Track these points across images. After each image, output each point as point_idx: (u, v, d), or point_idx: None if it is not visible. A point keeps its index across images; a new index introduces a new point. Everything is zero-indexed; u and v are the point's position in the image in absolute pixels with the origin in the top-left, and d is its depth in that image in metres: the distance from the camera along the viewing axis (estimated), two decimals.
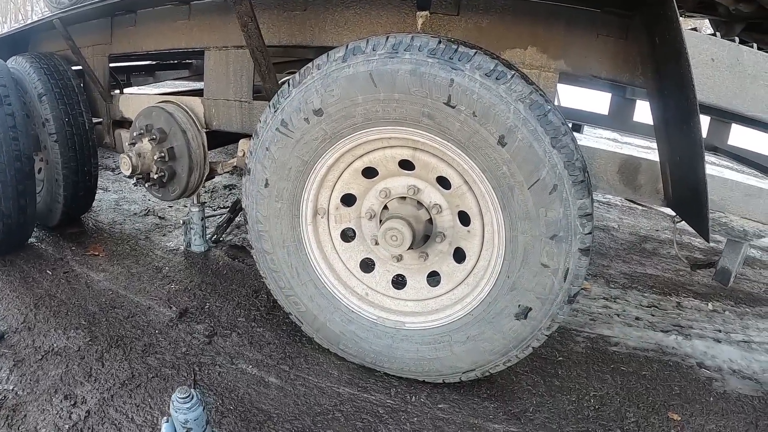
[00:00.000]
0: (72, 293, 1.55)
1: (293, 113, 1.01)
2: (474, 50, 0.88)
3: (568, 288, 0.94)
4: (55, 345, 1.35)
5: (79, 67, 1.82)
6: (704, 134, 2.40)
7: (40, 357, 1.30)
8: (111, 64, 1.85)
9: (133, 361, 1.25)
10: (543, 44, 1.08)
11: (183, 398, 0.87)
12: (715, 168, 1.91)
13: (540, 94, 0.88)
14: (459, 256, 1.10)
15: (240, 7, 1.13)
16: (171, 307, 1.43)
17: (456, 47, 0.88)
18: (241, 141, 1.41)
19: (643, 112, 2.38)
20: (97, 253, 1.76)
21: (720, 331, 1.84)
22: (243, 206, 1.18)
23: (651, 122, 1.13)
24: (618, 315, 1.77)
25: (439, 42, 0.89)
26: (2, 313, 1.49)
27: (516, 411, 1.16)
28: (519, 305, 0.98)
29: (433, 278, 1.16)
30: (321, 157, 1.03)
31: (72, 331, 1.39)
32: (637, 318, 1.81)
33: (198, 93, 1.58)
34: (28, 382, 1.20)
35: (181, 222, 1.85)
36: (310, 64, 1.00)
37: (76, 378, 1.21)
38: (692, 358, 1.61)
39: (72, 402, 1.14)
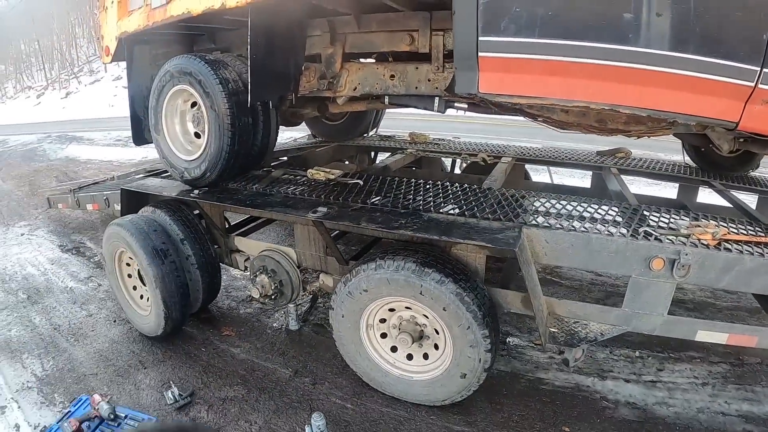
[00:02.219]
0: (224, 363, 3.46)
1: (353, 288, 2.85)
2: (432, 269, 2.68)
3: (482, 366, 2.73)
4: (227, 395, 3.23)
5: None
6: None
7: (222, 401, 3.20)
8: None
9: (276, 400, 3.13)
10: None
11: (318, 417, 2.75)
12: None
13: (467, 291, 2.67)
14: (437, 348, 2.92)
15: (320, 227, 2.97)
16: (288, 368, 3.30)
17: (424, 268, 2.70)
18: (322, 275, 3.27)
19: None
20: (229, 334, 3.71)
21: (634, 373, 3.57)
22: (332, 322, 3.05)
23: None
24: (557, 363, 3.54)
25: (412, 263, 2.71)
26: (185, 377, 3.44)
27: (470, 420, 2.93)
28: (461, 372, 2.79)
29: (426, 357, 3.00)
30: (368, 305, 2.86)
31: (234, 386, 3.27)
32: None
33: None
34: (220, 415, 3.12)
35: (282, 310, 3.80)
36: (359, 267, 2.83)
37: (247, 411, 3.10)
38: (599, 393, 3.31)
39: (249, 422, 3.04)
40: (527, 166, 4.81)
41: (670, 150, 4.67)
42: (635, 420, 2.99)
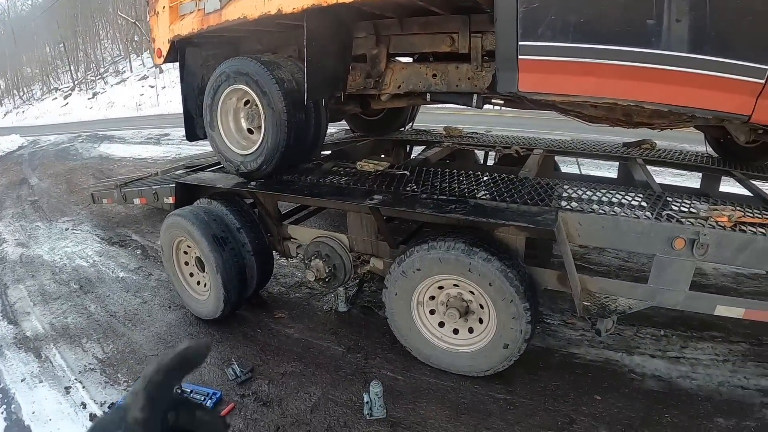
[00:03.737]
0: (280, 342, 3.95)
1: (407, 267, 3.33)
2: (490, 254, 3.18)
3: (523, 337, 3.21)
4: (285, 370, 3.70)
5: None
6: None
7: (281, 375, 3.68)
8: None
9: (332, 373, 3.58)
10: None
11: (375, 384, 3.25)
12: None
13: (510, 268, 3.15)
14: (481, 322, 3.41)
15: (376, 213, 3.46)
16: (341, 346, 3.78)
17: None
18: (373, 259, 3.77)
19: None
20: (281, 316, 4.21)
21: (659, 350, 4.04)
22: (384, 300, 3.54)
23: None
24: (587, 340, 4.02)
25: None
26: (244, 356, 3.93)
27: (510, 388, 3.39)
28: (504, 343, 3.27)
29: (471, 331, 3.49)
30: (419, 284, 3.33)
31: (291, 362, 3.75)
32: (599, 342, 4.04)
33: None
34: (281, 388, 3.60)
35: (332, 293, 4.30)
36: (413, 248, 3.32)
37: (305, 384, 3.56)
38: (627, 367, 3.78)
39: (308, 393, 3.52)
40: (556, 158, 5.29)
41: (693, 141, 5.12)
42: (660, 391, 3.44)
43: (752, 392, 3.44)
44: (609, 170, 5.30)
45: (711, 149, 4.92)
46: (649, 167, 4.50)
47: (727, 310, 3.14)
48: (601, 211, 3.15)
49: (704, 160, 4.73)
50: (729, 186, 4.68)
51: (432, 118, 9.24)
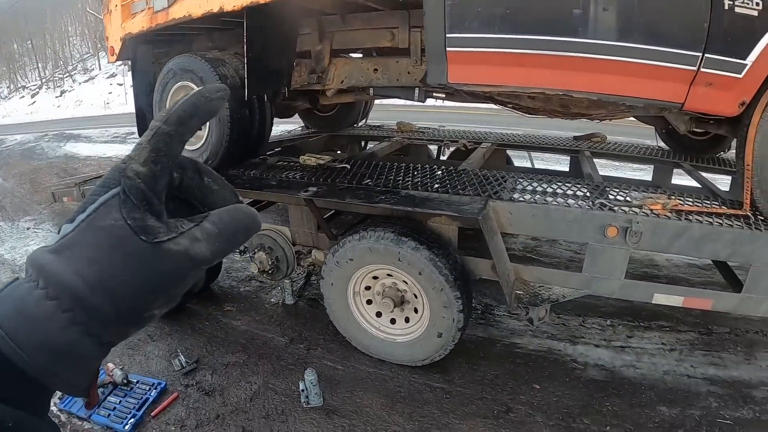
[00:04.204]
0: (226, 334, 4.02)
1: (340, 257, 3.40)
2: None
3: (456, 326, 3.27)
4: (229, 361, 3.76)
5: None
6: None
7: (224, 366, 3.74)
8: None
9: (274, 363, 3.66)
10: None
11: (310, 372, 3.31)
12: None
13: (439, 257, 3.22)
14: (416, 311, 3.46)
15: (310, 204, 3.53)
16: (285, 337, 3.85)
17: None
18: (314, 251, 3.83)
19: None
20: (230, 309, 4.28)
21: (604, 339, 4.10)
22: (322, 291, 3.61)
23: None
24: (531, 330, 4.08)
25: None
26: (191, 347, 4.00)
27: (448, 378, 3.46)
28: (438, 332, 3.33)
29: (407, 320, 3.55)
30: (354, 273, 3.39)
31: (235, 353, 3.81)
32: (543, 332, 4.10)
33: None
34: (224, 378, 3.66)
35: (279, 286, 4.37)
36: (345, 239, 3.39)
37: (247, 374, 3.63)
38: (570, 356, 3.85)
39: (249, 383, 3.58)
40: (511, 153, 5.36)
41: (648, 136, 5.20)
42: (602, 380, 3.51)
43: (698, 381, 3.51)
44: (562, 164, 5.36)
45: (663, 143, 4.98)
46: (599, 160, 4.57)
47: (665, 298, 3.20)
48: (532, 200, 3.21)
49: (653, 152, 4.80)
50: (683, 179, 4.73)
51: (413, 115, 9.31)
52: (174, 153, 0.49)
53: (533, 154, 5.16)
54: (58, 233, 0.47)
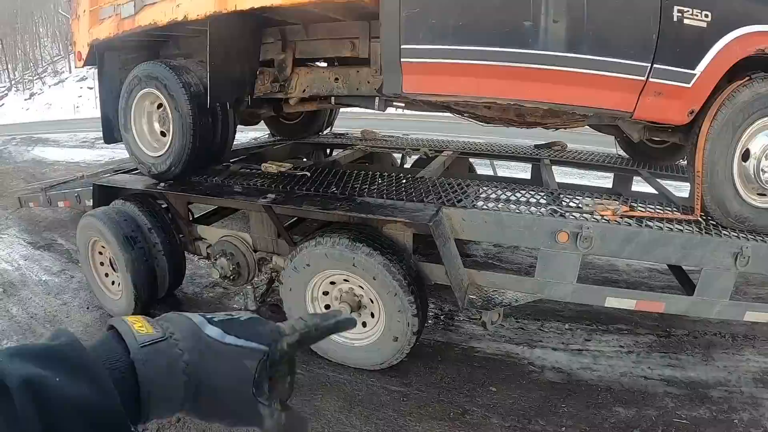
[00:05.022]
0: None
1: (297, 263, 3.48)
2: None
3: (411, 330, 3.37)
4: None
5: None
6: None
7: None
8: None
9: None
10: None
11: None
12: None
13: (393, 263, 3.32)
14: (373, 316, 3.53)
15: (269, 211, 3.62)
16: None
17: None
18: (275, 257, 3.91)
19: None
20: None
21: (562, 343, 4.22)
22: (281, 296, 3.69)
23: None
24: (489, 335, 4.19)
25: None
26: None
27: (406, 381, 3.54)
28: (393, 336, 3.42)
29: (364, 325, 3.63)
30: (311, 279, 3.48)
31: None
32: (501, 336, 4.21)
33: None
34: None
35: (241, 292, 4.44)
36: (302, 245, 3.48)
37: None
38: (527, 360, 3.95)
39: None
40: (475, 161, 5.50)
41: (610, 144, 5.35)
42: (559, 382, 3.61)
43: (655, 382, 3.62)
44: (526, 172, 5.50)
45: (622, 151, 5.14)
46: (559, 167, 4.71)
47: (617, 301, 3.32)
48: (484, 206, 3.32)
49: (613, 160, 4.95)
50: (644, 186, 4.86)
51: (383, 123, 9.44)
52: (305, 346, 0.71)
53: (497, 162, 5.29)
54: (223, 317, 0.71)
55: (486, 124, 3.97)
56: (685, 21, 2.82)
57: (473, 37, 3.14)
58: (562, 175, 5.53)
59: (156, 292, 4.23)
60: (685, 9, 2.79)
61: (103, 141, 5.04)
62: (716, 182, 3.05)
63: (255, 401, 0.63)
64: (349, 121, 7.03)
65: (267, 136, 6.73)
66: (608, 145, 5.34)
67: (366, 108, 4.03)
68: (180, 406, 0.62)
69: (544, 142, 5.40)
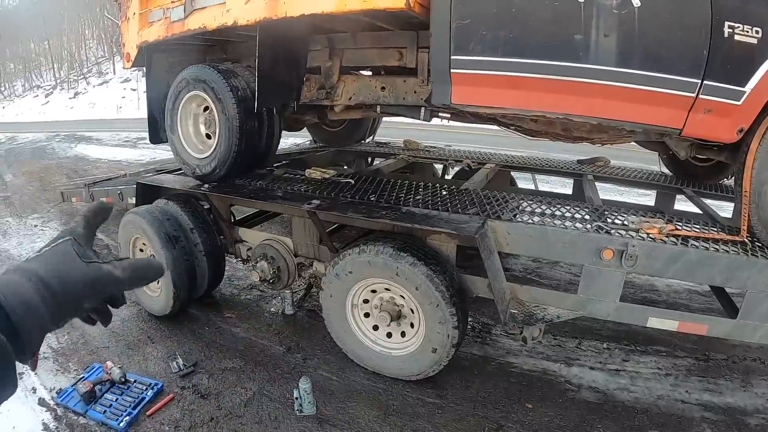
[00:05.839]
0: (225, 340, 4.13)
1: (340, 270, 3.51)
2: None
3: (451, 342, 3.36)
4: (226, 366, 3.87)
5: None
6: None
7: (221, 371, 3.84)
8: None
9: (270, 371, 3.76)
10: None
11: (304, 380, 3.41)
12: None
13: (437, 274, 3.31)
14: (412, 326, 3.54)
15: (313, 216, 3.65)
16: (282, 346, 3.96)
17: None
18: (315, 263, 3.94)
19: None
20: (230, 316, 4.40)
21: (600, 362, 4.16)
22: (321, 302, 3.71)
23: None
24: (527, 350, 4.16)
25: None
26: (189, 351, 4.11)
27: (441, 393, 3.53)
28: (432, 347, 3.42)
29: (403, 335, 3.64)
30: (353, 286, 3.50)
31: (233, 359, 3.92)
32: (539, 352, 4.17)
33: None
34: (220, 382, 3.77)
35: (279, 296, 4.49)
36: (345, 252, 3.50)
37: (243, 380, 3.73)
38: (564, 378, 3.91)
39: (245, 388, 3.67)
40: (516, 175, 5.48)
41: (653, 161, 5.28)
42: (595, 402, 3.56)
43: (692, 406, 3.55)
44: (567, 187, 5.46)
45: (666, 168, 5.07)
46: (602, 183, 4.66)
47: (659, 322, 3.26)
48: (530, 221, 3.30)
49: (656, 178, 4.88)
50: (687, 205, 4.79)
51: (425, 134, 9.48)
52: (96, 225, 0.87)
53: (538, 176, 5.25)
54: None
55: (532, 138, 3.95)
56: (736, 37, 2.76)
57: (524, 50, 3.13)
58: (601, 191, 5.46)
59: (195, 292, 4.29)
60: (736, 25, 2.74)
61: (147, 141, 5.14)
62: (764, 203, 2.98)
63: (96, 265, 0.75)
64: (386, 129, 7.03)
65: (308, 142, 6.82)
66: (648, 162, 5.27)
67: (411, 118, 4.03)
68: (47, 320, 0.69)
69: (587, 158, 5.35)
